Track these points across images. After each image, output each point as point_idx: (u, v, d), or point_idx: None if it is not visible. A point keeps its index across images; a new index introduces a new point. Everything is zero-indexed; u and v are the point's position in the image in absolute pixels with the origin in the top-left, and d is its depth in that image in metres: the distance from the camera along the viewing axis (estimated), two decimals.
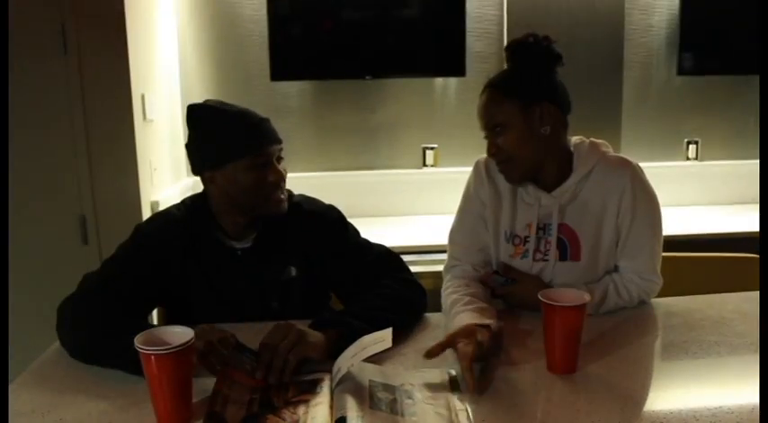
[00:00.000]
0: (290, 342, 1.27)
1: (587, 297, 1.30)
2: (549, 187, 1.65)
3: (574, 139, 1.70)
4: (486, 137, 1.63)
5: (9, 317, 2.66)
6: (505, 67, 1.67)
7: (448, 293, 1.61)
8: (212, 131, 1.57)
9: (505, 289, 1.64)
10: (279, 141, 1.61)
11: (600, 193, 1.64)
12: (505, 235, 1.69)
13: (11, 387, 1.31)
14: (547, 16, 3.40)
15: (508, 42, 1.65)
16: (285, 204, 1.62)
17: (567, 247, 1.65)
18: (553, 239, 1.64)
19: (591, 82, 3.47)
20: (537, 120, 1.58)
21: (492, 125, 1.60)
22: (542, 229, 1.65)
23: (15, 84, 2.59)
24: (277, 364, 1.25)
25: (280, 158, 1.61)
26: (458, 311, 1.49)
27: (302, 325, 1.35)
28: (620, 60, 3.47)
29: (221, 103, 1.61)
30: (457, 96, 3.47)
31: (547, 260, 1.65)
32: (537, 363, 1.34)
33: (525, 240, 1.66)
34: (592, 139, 1.70)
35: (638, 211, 1.64)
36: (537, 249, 1.65)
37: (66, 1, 2.56)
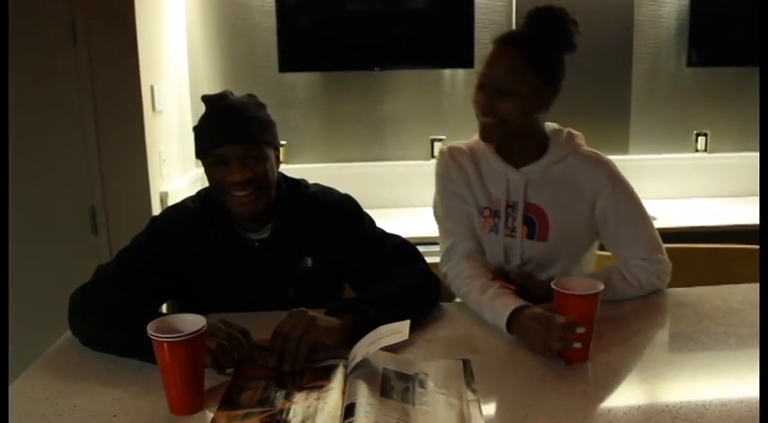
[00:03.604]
0: (302, 328, 1.29)
1: (601, 286, 1.31)
2: (517, 164, 1.68)
3: (552, 125, 1.72)
4: (485, 90, 1.60)
5: (21, 306, 2.69)
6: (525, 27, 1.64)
7: (467, 276, 1.62)
8: (198, 124, 1.59)
9: None
10: (247, 141, 1.52)
11: (572, 182, 1.67)
12: (478, 208, 1.71)
13: (24, 375, 1.32)
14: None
15: (536, 7, 1.62)
16: (250, 207, 1.56)
17: (536, 226, 1.67)
18: (519, 216, 1.66)
19: (600, 73, 3.46)
20: (542, 102, 1.61)
21: (501, 86, 1.57)
22: (512, 206, 1.68)
23: (24, 75, 2.60)
24: (289, 349, 1.27)
25: (251, 159, 1.53)
26: (497, 294, 1.51)
27: (317, 312, 1.36)
28: (629, 52, 3.46)
29: (222, 96, 1.58)
30: (465, 87, 3.46)
31: (514, 237, 1.67)
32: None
33: (495, 214, 1.69)
34: (570, 129, 1.72)
35: (621, 204, 1.67)
36: (506, 225, 1.68)
37: None
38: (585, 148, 1.70)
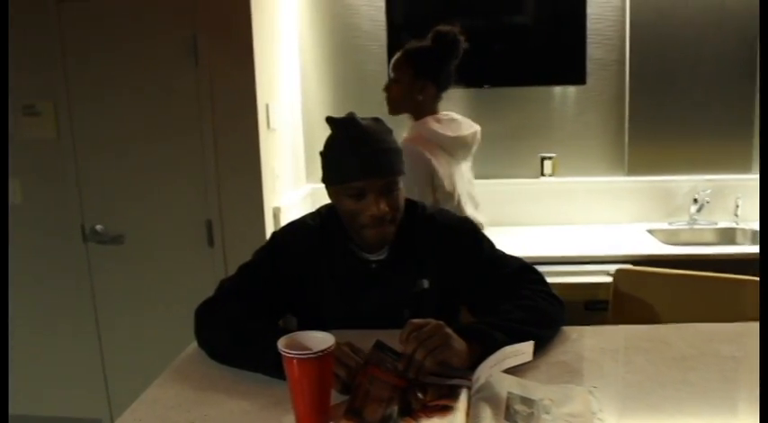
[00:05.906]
0: (436, 343, 1.26)
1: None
2: None
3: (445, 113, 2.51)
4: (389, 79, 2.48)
5: (147, 313, 2.83)
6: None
7: None
8: (326, 149, 1.59)
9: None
10: (387, 175, 1.54)
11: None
12: None
13: (157, 382, 1.38)
14: (672, 20, 3.28)
15: (436, 29, 2.42)
16: (383, 237, 1.58)
17: None
18: None
19: (720, 89, 3.31)
20: (417, 89, 2.42)
21: (393, 76, 2.45)
22: None
23: (150, 94, 2.76)
24: (418, 358, 1.24)
25: (387, 191, 1.54)
26: None
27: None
28: (752, 66, 3.30)
29: (351, 121, 1.56)
30: (576, 104, 3.39)
31: None
32: (684, 386, 1.29)
33: None
34: (452, 117, 2.53)
35: None
36: None
37: (198, 15, 2.69)
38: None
